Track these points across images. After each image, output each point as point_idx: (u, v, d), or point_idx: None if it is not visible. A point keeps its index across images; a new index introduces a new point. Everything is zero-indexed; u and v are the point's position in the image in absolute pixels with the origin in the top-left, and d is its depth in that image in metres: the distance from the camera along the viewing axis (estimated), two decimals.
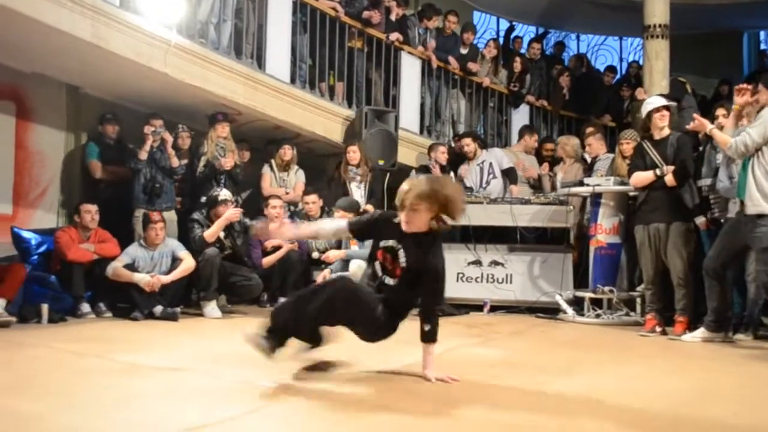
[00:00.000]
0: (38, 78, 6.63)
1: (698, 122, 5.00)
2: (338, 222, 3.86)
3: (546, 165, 7.64)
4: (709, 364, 4.00)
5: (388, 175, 7.40)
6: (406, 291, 3.17)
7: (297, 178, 7.30)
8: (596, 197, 6.07)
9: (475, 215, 6.47)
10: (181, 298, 5.97)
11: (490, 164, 7.37)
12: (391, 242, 3.16)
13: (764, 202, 4.41)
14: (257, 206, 6.94)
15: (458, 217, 3.10)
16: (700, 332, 4.82)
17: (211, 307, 5.82)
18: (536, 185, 7.58)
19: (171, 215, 6.58)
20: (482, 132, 9.07)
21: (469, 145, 7.41)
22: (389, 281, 3.16)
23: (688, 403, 2.88)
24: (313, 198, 6.74)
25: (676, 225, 5.19)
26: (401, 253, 3.13)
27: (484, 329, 5.31)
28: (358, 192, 6.97)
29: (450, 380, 3.08)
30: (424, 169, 7.39)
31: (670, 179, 5.16)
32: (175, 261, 5.83)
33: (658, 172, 5.23)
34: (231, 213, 5.98)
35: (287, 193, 7.11)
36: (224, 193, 6.18)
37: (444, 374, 3.11)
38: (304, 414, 2.57)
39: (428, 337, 3.15)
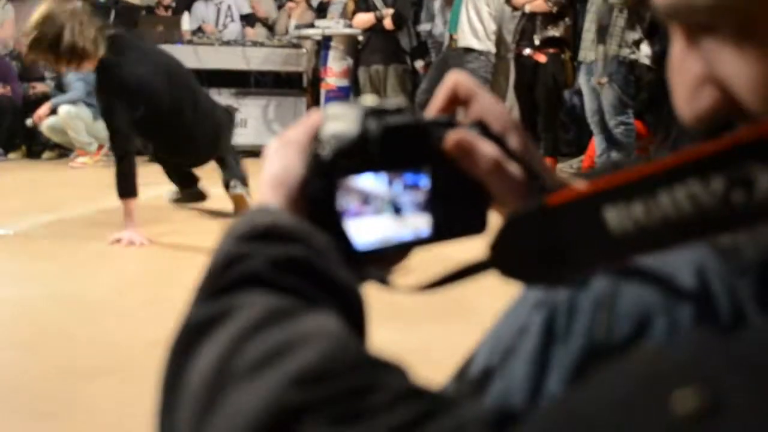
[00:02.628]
0: None
1: None
2: None
3: None
4: None
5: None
6: None
7: (4, 14, 6.47)
8: (327, 41, 6.13)
9: (207, 58, 6.24)
10: None
11: (229, 6, 7.09)
12: None
13: (472, 37, 4.88)
14: None
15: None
16: None
17: None
18: (272, 27, 7.43)
19: None
20: None
21: None
22: None
23: None
24: None
25: (394, 67, 5.48)
26: None
27: (211, 173, 5.31)
28: None
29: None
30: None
31: (388, 22, 5.40)
32: None
33: (377, 14, 5.40)
34: None
35: None
36: None
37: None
38: None
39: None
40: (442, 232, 0.47)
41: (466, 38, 4.93)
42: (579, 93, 5.18)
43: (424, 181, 0.46)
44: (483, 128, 0.46)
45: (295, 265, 0.37)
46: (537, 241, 0.37)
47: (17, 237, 3.22)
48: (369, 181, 0.43)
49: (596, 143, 4.74)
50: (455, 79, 0.48)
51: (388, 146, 0.43)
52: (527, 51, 5.25)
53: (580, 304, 0.48)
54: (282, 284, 0.35)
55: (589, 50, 4.51)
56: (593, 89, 4.52)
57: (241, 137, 6.26)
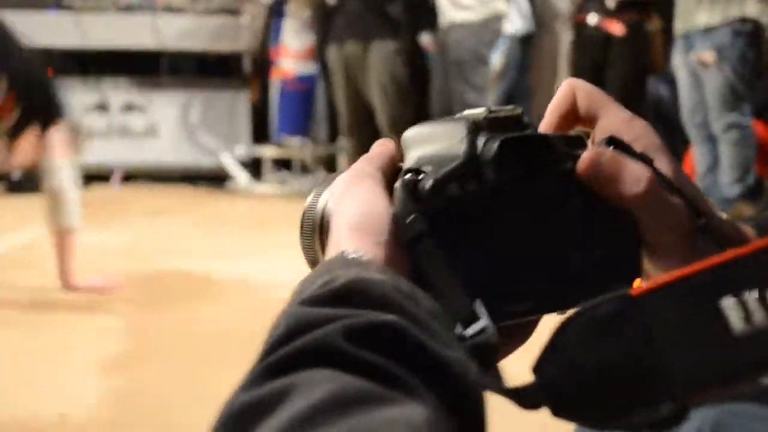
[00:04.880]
0: None
1: None
2: None
3: None
4: None
5: None
6: None
7: None
8: (280, 4, 5.17)
9: (96, 33, 5.20)
10: None
11: None
12: None
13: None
14: None
15: None
16: None
17: None
18: None
19: None
20: None
21: None
22: None
23: None
24: None
25: (379, 44, 4.29)
26: None
27: (110, 209, 4.47)
28: None
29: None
30: None
31: None
32: None
33: None
34: None
35: None
36: None
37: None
38: None
39: None
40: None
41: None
42: (670, 81, 4.33)
43: None
44: (621, 146, 0.40)
45: (381, 336, 0.33)
46: (615, 355, 0.33)
47: None
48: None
49: (697, 156, 3.88)
50: (572, 86, 0.44)
51: (508, 167, 0.39)
52: (594, 19, 4.48)
53: None
54: (359, 361, 0.32)
55: (691, 14, 3.70)
56: (694, 74, 3.71)
57: (150, 152, 5.39)
